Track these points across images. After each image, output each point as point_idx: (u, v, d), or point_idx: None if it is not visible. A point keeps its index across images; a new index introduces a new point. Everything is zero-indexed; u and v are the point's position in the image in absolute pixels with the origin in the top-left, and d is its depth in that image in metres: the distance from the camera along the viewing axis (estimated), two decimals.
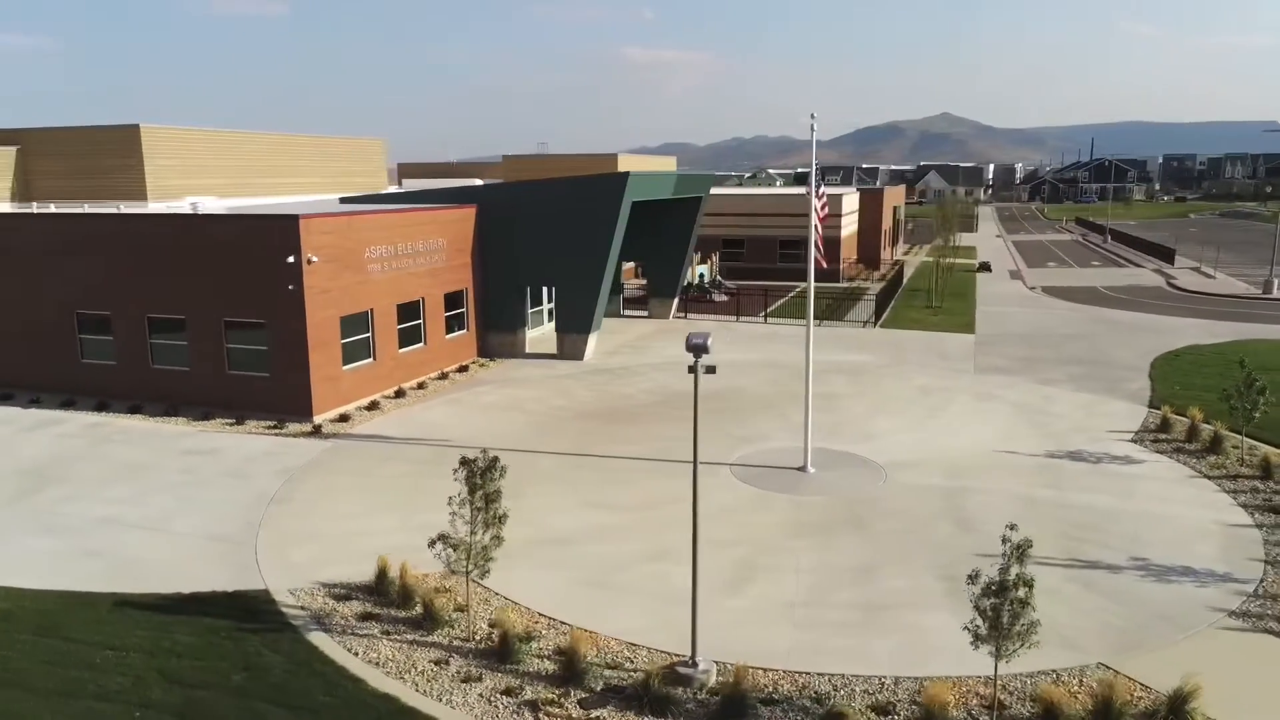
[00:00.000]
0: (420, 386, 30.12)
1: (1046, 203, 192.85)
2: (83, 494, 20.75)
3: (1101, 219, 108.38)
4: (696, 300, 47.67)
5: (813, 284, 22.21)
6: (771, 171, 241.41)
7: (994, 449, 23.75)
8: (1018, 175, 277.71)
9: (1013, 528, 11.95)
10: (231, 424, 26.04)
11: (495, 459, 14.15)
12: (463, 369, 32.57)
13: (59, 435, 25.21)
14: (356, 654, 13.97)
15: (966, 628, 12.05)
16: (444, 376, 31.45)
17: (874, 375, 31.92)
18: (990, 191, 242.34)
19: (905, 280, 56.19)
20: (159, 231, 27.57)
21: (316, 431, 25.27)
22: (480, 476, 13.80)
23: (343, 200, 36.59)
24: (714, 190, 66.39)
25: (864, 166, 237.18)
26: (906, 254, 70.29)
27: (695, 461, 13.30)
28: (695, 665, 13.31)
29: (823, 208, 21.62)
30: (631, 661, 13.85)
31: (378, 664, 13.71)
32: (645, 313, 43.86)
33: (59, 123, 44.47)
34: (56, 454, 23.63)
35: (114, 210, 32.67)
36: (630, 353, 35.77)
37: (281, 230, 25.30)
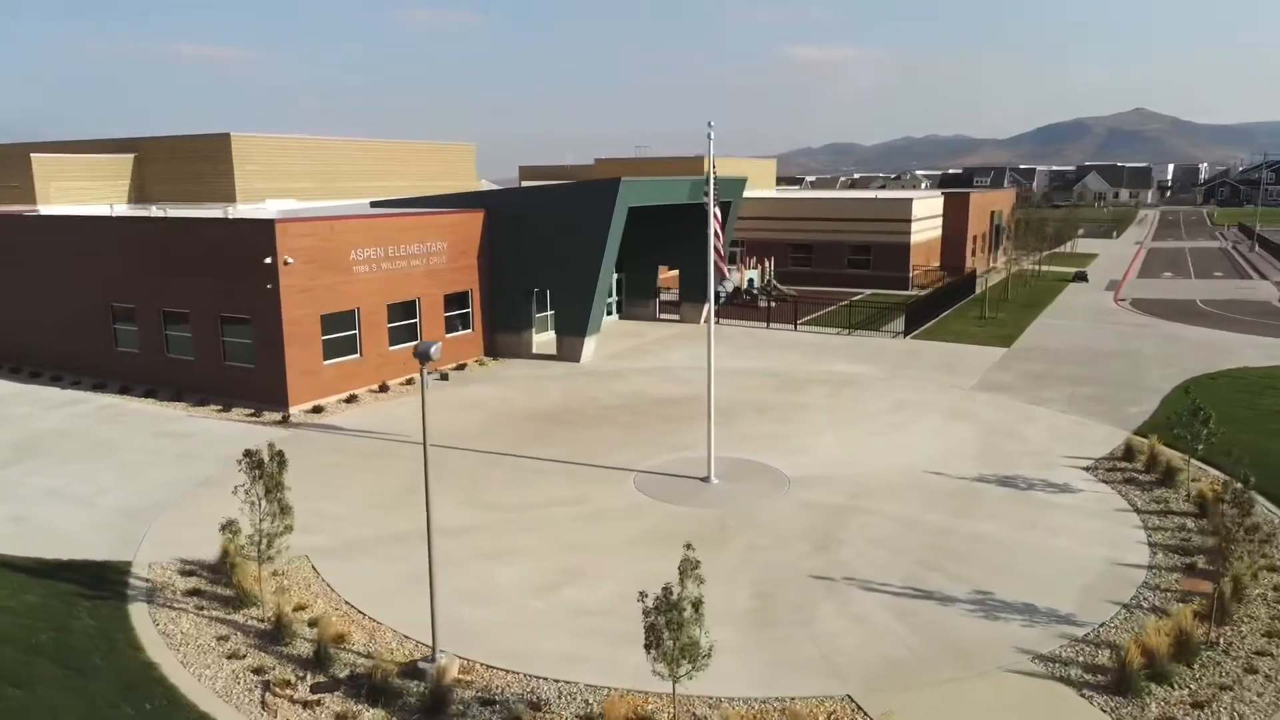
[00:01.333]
0: (408, 382, 31.70)
1: (1222, 206, 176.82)
2: (50, 467, 23.32)
3: (1269, 225, 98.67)
4: (745, 305, 47.32)
5: (712, 289, 22.15)
6: (919, 173, 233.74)
7: (924, 469, 22.75)
8: (1201, 175, 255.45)
9: (689, 545, 11.91)
10: (220, 410, 28.42)
11: (279, 453, 15.15)
12: (460, 367, 33.98)
13: (73, 414, 28.28)
14: (158, 624, 15.31)
15: (647, 645, 12.03)
16: (445, 377, 32.89)
17: (859, 387, 30.96)
18: (1168, 194, 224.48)
19: (979, 290, 53.47)
20: (169, 233, 30.39)
21: (284, 421, 27.22)
22: (260, 469, 14.83)
23: (373, 204, 38.82)
24: (781, 193, 65.83)
25: (1020, 168, 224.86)
26: (1011, 261, 66.64)
27: (425, 458, 13.84)
28: (433, 660, 13.84)
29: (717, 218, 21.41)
30: (392, 654, 14.52)
31: (168, 635, 14.99)
32: (678, 317, 44.02)
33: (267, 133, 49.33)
34: (58, 430, 26.58)
35: (138, 214, 35.96)
36: (633, 356, 36.13)
37: (259, 233, 27.40)
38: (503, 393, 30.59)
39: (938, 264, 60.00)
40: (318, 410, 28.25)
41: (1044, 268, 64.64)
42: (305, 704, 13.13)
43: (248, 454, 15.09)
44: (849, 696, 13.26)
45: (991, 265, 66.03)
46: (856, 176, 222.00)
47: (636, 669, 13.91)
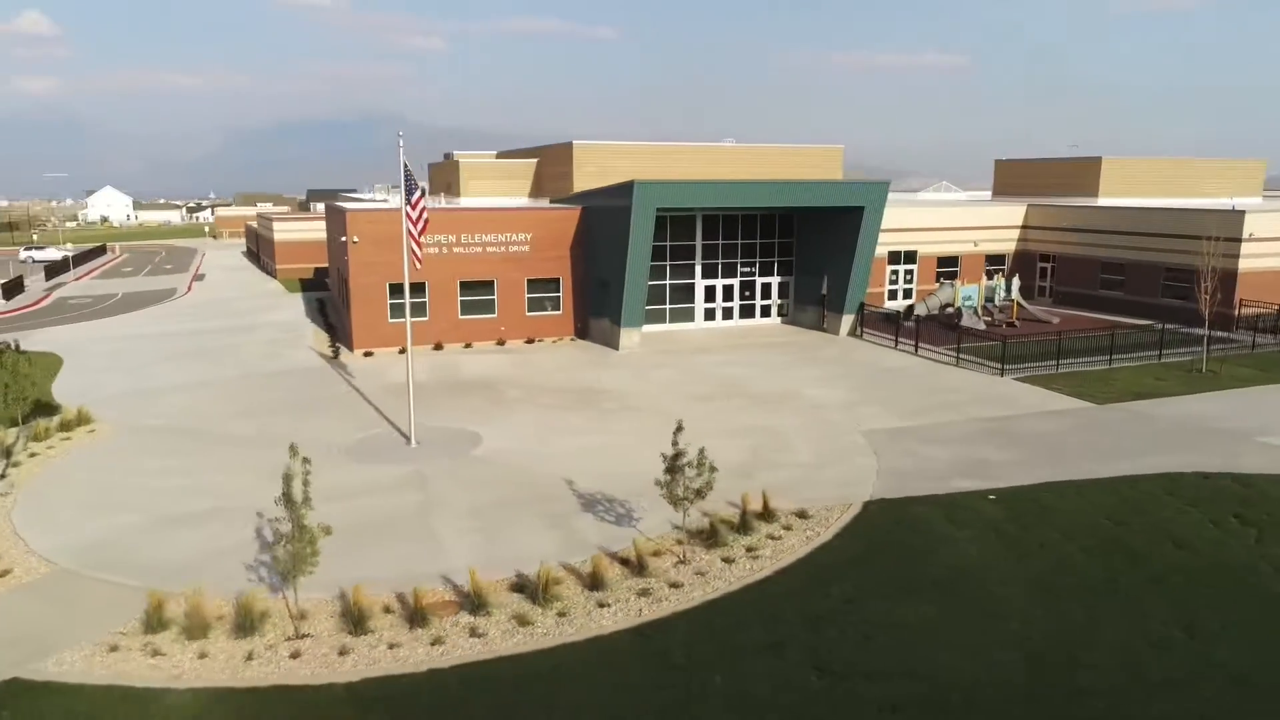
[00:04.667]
0: (467, 346, 38.61)
1: None
2: (172, 366, 36.13)
3: None
4: (946, 326, 41.99)
5: (409, 290, 24.93)
6: None
7: (583, 475, 22.41)
8: None
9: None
10: (330, 344, 39.23)
11: (17, 344, 24.50)
12: (530, 341, 39.52)
13: (264, 337, 41.78)
14: None
15: None
16: (501, 343, 39.09)
17: (767, 408, 28.42)
18: None
19: None
20: (335, 220, 42.04)
21: (334, 357, 36.81)
22: (5, 353, 24.43)
23: (552, 201, 45.74)
24: (1076, 202, 52.32)
25: None
26: None
27: None
28: None
29: (419, 218, 24.07)
30: None
31: None
32: (824, 327, 41.82)
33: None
34: (236, 344, 40.03)
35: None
36: (672, 355, 36.99)
37: (339, 219, 37.14)
38: (494, 361, 35.73)
39: None
40: (368, 355, 37.19)
41: None
42: None
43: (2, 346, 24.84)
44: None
45: None
46: None
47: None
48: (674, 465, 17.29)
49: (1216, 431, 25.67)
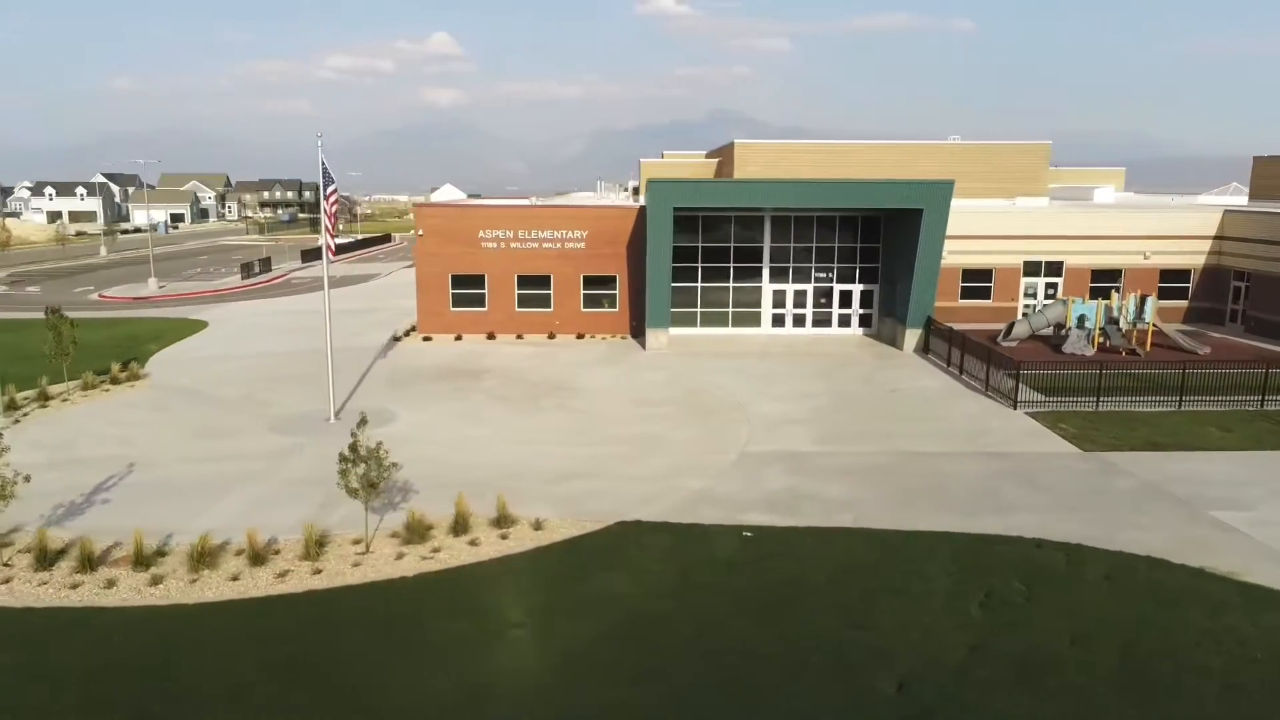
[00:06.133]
0: (519, 337, 40.12)
1: None
2: (281, 337, 41.64)
3: None
4: (1049, 345, 36.26)
5: (327, 282, 26.68)
6: None
7: (423, 466, 23.28)
8: None
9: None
10: (408, 329, 42.72)
11: (59, 309, 29.85)
12: (580, 336, 40.13)
13: (372, 320, 46.28)
14: None
15: None
16: (552, 337, 40.11)
17: (697, 418, 26.87)
18: None
19: None
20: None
21: (397, 340, 40.10)
22: (50, 315, 29.97)
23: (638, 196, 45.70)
24: (1242, 204, 40.49)
25: None
26: None
27: None
28: None
29: (332, 205, 25.82)
30: None
31: None
32: (895, 342, 37.83)
33: None
34: (345, 319, 44.90)
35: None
36: (686, 358, 35.69)
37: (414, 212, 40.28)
38: (520, 353, 36.87)
39: None
40: (427, 339, 40.06)
41: None
42: None
43: (48, 309, 30.36)
44: None
45: None
46: None
47: None
48: (344, 456, 17.61)
49: (1174, 498, 20.45)
